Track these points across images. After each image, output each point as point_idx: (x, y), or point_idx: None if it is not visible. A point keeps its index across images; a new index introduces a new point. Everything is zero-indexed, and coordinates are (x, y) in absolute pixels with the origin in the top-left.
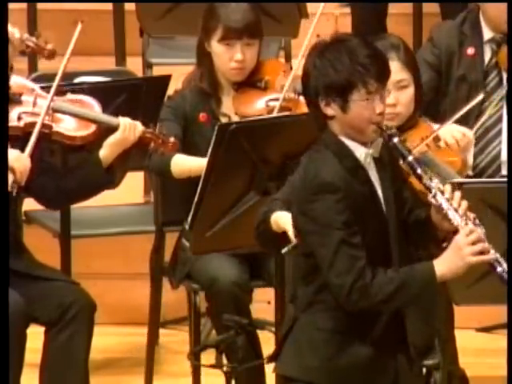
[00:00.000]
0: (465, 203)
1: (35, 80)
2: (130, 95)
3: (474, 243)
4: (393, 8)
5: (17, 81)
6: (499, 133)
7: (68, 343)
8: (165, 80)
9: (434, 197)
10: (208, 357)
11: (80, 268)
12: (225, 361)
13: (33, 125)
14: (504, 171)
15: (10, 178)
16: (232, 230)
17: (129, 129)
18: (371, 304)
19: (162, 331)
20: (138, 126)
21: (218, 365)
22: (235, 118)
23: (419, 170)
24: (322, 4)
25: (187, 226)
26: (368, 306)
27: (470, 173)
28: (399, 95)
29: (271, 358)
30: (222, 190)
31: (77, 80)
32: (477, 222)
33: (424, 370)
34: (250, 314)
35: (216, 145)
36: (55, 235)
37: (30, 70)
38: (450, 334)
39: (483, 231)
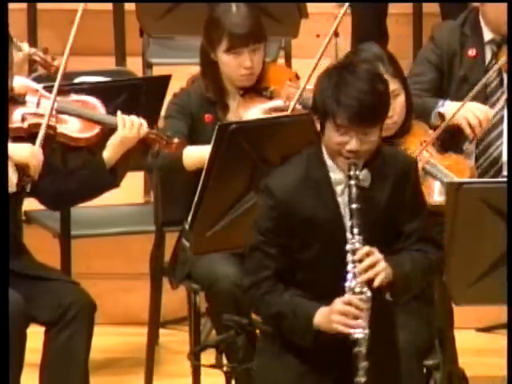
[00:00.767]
0: (374, 271)
1: (35, 80)
2: (130, 95)
3: (343, 314)
4: (393, 8)
5: (20, 81)
6: (501, 134)
7: (68, 343)
8: (165, 80)
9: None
10: (208, 357)
11: (80, 268)
12: (225, 361)
13: (36, 125)
14: (505, 172)
15: (20, 173)
16: (232, 229)
17: (129, 125)
18: (255, 313)
19: (161, 331)
20: (144, 126)
21: (217, 365)
22: None
23: (354, 221)
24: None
25: (187, 226)
26: (254, 313)
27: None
28: (393, 105)
29: None
30: (222, 190)
31: (77, 80)
32: (368, 293)
33: (424, 370)
34: (250, 314)
35: (216, 145)
36: (55, 235)
37: (30, 70)
38: (450, 334)
39: (367, 305)
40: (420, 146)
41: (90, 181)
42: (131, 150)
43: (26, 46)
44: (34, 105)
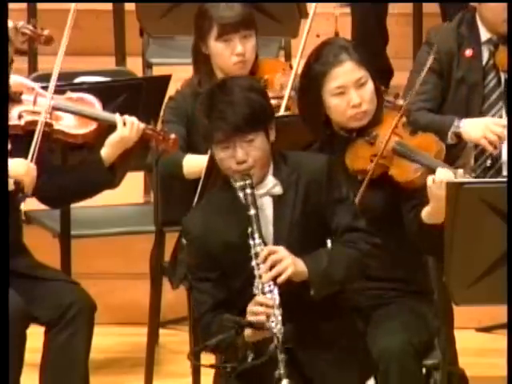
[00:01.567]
0: (278, 269)
1: (35, 80)
2: (130, 95)
3: (256, 314)
4: (393, 8)
5: (16, 80)
6: None
7: (68, 343)
8: (165, 80)
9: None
10: (208, 357)
11: (80, 268)
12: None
13: (33, 123)
14: (505, 172)
15: (15, 187)
16: None
17: (129, 125)
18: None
19: (161, 331)
20: (139, 124)
21: (218, 365)
22: None
23: (254, 227)
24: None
25: None
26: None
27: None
28: (361, 93)
29: None
30: None
31: (77, 80)
32: (275, 291)
33: (424, 370)
34: None
35: None
36: (55, 235)
37: (30, 70)
38: (450, 334)
39: (277, 302)
40: (393, 135)
41: (87, 178)
42: (131, 151)
43: (10, 22)
44: (31, 103)
